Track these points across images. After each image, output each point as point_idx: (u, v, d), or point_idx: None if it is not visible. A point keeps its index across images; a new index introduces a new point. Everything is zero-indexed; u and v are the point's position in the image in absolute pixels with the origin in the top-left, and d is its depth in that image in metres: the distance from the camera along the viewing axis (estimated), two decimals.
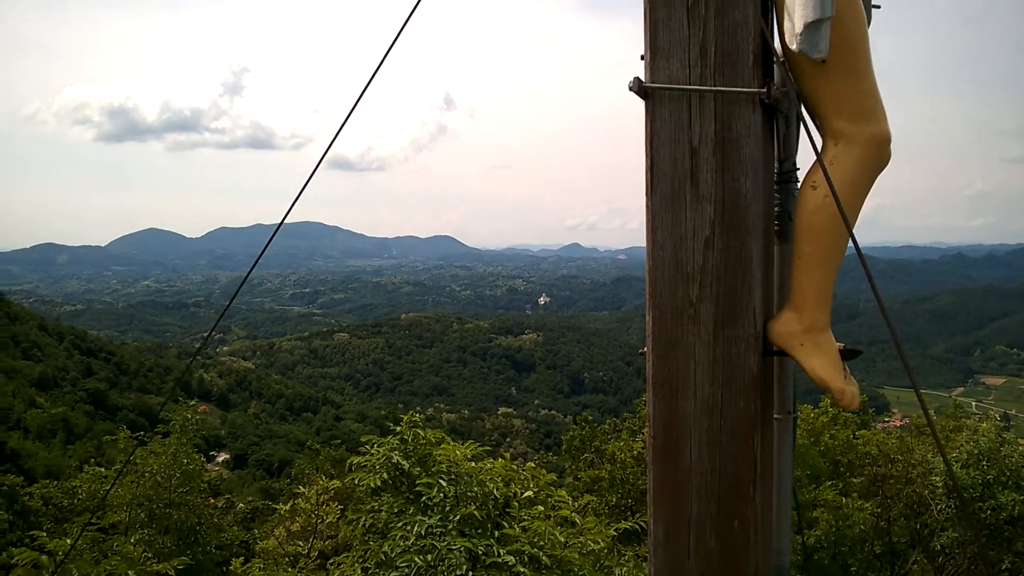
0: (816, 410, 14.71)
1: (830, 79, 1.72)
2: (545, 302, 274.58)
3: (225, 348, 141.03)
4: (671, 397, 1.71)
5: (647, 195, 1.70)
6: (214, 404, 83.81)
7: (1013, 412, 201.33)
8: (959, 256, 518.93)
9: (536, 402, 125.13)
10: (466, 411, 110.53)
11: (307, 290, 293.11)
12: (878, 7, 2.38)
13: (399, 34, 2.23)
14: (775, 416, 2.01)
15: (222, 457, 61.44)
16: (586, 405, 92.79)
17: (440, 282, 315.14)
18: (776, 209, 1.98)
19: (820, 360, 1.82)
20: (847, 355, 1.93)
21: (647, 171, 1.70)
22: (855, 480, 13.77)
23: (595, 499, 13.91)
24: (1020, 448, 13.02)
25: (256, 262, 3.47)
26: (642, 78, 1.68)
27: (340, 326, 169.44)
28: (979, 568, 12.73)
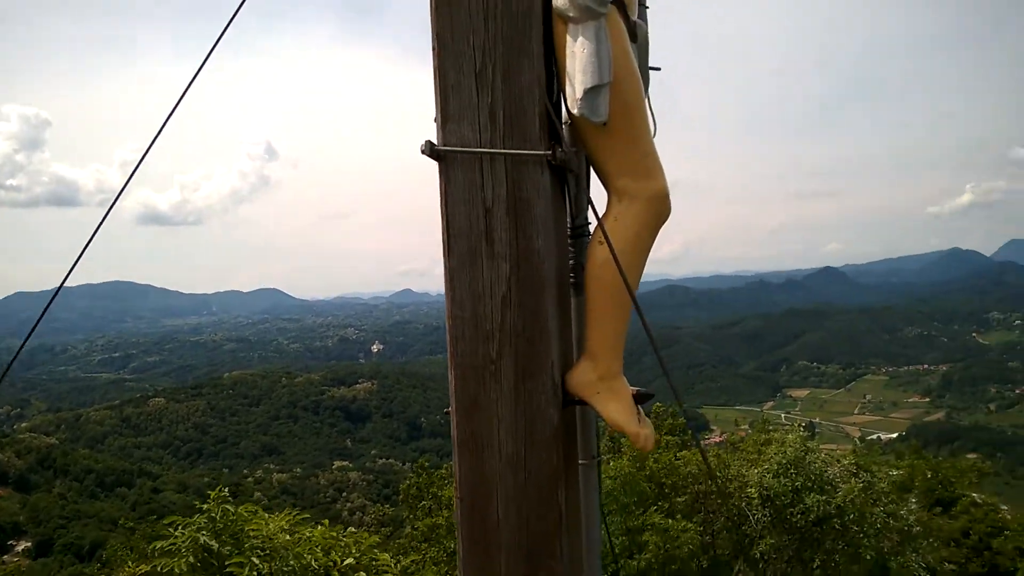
0: None
1: (612, 141, 1.81)
2: (378, 349, 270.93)
3: (23, 424, 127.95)
4: (476, 455, 1.72)
5: (445, 255, 1.71)
6: (11, 487, 75.77)
7: (817, 420, 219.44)
8: (762, 282, 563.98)
9: (373, 452, 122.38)
10: (298, 469, 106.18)
11: (117, 354, 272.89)
12: (657, 69, 2.53)
13: (195, 76, 2.15)
14: (580, 462, 2.06)
15: (22, 546, 55.59)
16: (425, 450, 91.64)
17: (266, 336, 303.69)
18: (571, 262, 2.03)
19: (616, 406, 1.88)
20: (640, 399, 1.98)
21: (443, 232, 1.72)
22: (680, 500, 14.34)
23: (434, 548, 13.61)
24: (822, 455, 14.06)
25: (32, 330, 3.08)
26: (434, 141, 1.71)
27: (155, 390, 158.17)
28: (795, 569, 13.55)
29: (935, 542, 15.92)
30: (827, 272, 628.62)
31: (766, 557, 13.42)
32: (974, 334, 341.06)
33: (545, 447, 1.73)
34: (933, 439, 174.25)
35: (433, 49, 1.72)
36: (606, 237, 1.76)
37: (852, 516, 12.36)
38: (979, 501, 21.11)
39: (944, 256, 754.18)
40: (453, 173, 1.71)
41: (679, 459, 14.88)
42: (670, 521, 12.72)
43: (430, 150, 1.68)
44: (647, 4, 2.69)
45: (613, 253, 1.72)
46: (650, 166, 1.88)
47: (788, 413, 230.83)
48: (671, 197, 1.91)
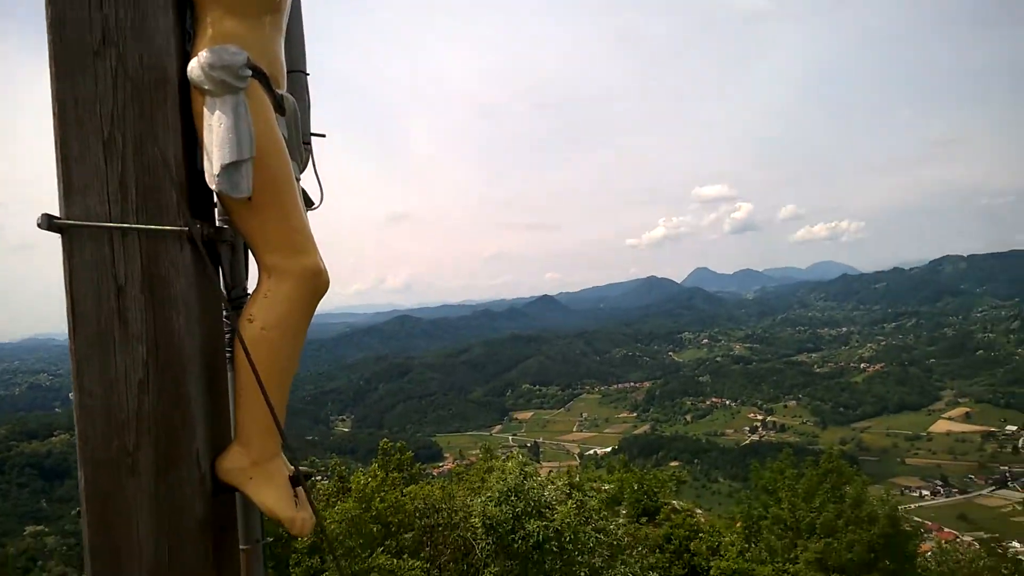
0: (365, 475, 14.84)
1: (259, 217, 1.73)
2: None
3: None
4: (113, 563, 1.51)
5: (70, 339, 1.52)
6: None
7: (541, 440, 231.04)
8: (487, 311, 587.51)
9: (73, 512, 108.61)
10: None
11: None
12: (322, 136, 2.55)
13: None
14: (242, 547, 1.91)
15: None
16: None
17: None
18: (227, 335, 1.88)
19: (269, 492, 1.77)
20: (297, 481, 1.85)
21: (68, 312, 1.53)
22: (407, 537, 14.12)
23: None
24: (540, 478, 14.58)
25: None
26: (55, 213, 1.53)
27: None
28: None
29: (643, 550, 17.20)
30: (545, 300, 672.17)
31: None
32: (670, 353, 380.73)
33: (192, 542, 1.58)
34: (641, 450, 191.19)
35: (54, 114, 1.54)
36: (255, 316, 1.72)
37: (568, 537, 12.88)
38: (678, 508, 23.29)
39: (643, 283, 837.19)
40: (78, 248, 1.54)
41: (406, 495, 14.67)
42: (396, 561, 12.43)
43: (47, 223, 1.51)
44: (308, 71, 2.67)
45: (238, 339, 1.69)
46: (301, 242, 1.79)
47: (515, 435, 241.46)
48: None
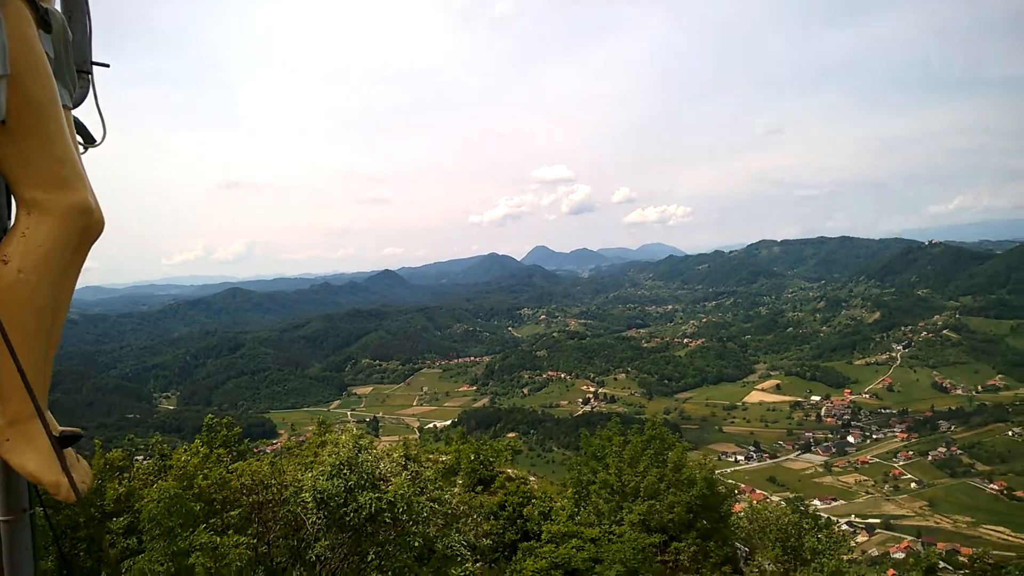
0: (188, 452, 14.11)
1: (17, 144, 1.55)
2: None
3: None
4: None
5: None
6: None
7: (381, 415, 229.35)
8: (326, 285, 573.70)
9: None
10: None
11: None
12: (106, 65, 2.31)
13: None
14: (3, 519, 1.74)
15: None
16: None
17: None
18: None
19: (31, 455, 1.62)
20: (66, 442, 1.69)
21: None
22: (233, 514, 13.54)
23: None
24: (375, 451, 14.38)
25: None
26: None
27: None
28: (351, 565, 13.65)
29: (478, 518, 17.41)
30: (386, 275, 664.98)
31: (322, 558, 13.29)
32: (510, 328, 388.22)
33: None
34: (480, 423, 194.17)
35: None
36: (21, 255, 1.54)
37: (402, 508, 12.80)
38: (513, 476, 23.75)
39: (484, 260, 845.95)
40: None
41: (232, 472, 14.05)
42: (219, 538, 11.87)
43: None
44: None
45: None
46: (67, 176, 1.60)
47: (354, 410, 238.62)
48: (91, 212, 1.37)
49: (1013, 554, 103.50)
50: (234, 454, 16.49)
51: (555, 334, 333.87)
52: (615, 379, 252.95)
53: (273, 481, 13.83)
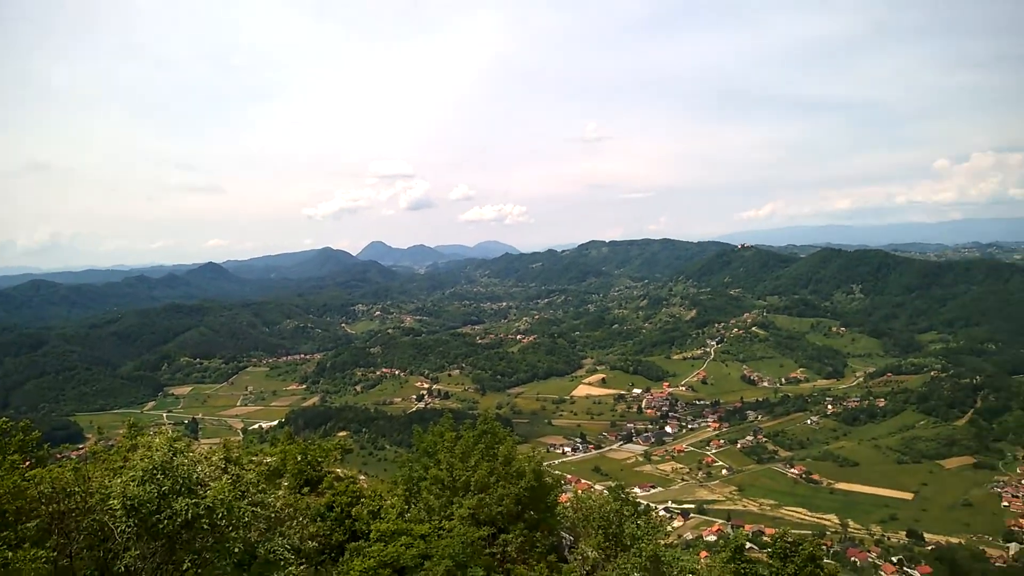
0: None
1: None
2: None
3: None
4: None
5: None
6: None
7: (201, 416, 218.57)
8: (142, 278, 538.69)
9: None
10: None
11: None
12: None
13: None
14: None
15: None
16: None
17: None
18: None
19: None
20: None
21: None
22: (29, 526, 12.40)
23: None
24: (192, 454, 13.62)
25: None
26: None
27: None
28: (165, 574, 12.88)
29: (304, 520, 16.93)
30: (210, 268, 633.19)
31: (132, 569, 12.47)
32: (343, 325, 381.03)
33: None
34: (309, 422, 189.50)
35: None
36: None
37: (221, 513, 12.24)
38: (342, 476, 23.30)
39: (317, 255, 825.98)
40: None
41: (28, 480, 12.87)
42: (11, 553, 10.85)
43: None
44: None
45: None
46: None
47: (171, 411, 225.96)
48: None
49: (809, 532, 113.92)
50: (32, 460, 15.10)
51: (390, 330, 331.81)
52: (450, 375, 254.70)
53: (77, 488, 12.83)
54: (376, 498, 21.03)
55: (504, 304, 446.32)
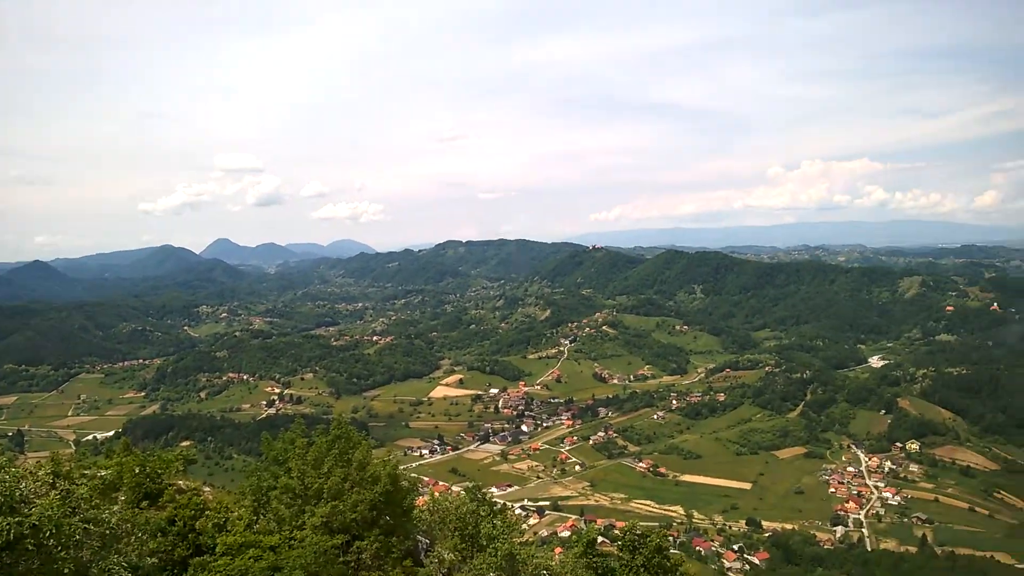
0: None
1: None
2: None
3: None
4: None
5: None
6: None
7: (28, 427, 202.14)
8: None
9: None
10: None
11: None
12: None
13: None
14: None
15: None
16: None
17: None
18: None
19: None
20: None
21: None
22: None
23: None
24: (14, 470, 12.56)
25: None
26: None
27: None
28: None
29: (143, 536, 15.96)
30: (37, 267, 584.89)
31: None
32: (186, 327, 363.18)
33: None
34: (148, 432, 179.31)
35: None
36: None
37: (48, 532, 11.36)
38: (184, 487, 22.15)
39: (157, 252, 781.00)
40: None
41: None
42: None
43: None
44: None
45: None
46: None
47: None
48: None
49: (657, 524, 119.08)
50: None
51: (238, 333, 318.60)
52: (302, 379, 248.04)
53: None
54: (222, 510, 20.15)
55: (360, 305, 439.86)
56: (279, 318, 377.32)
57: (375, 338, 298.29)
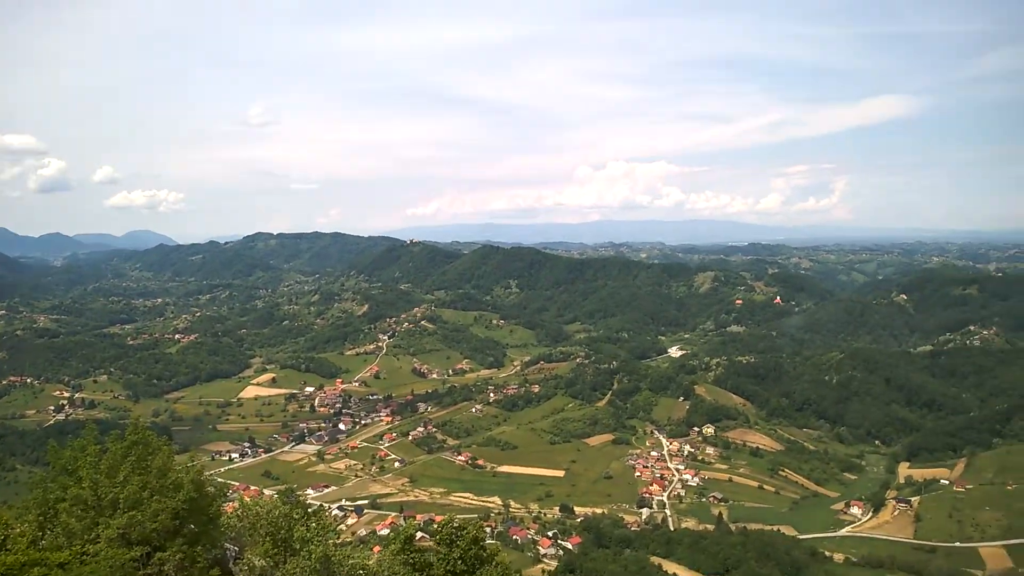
0: None
1: None
2: None
3: None
4: None
5: None
6: None
7: None
8: None
9: None
10: None
11: None
12: None
13: None
14: None
15: None
16: None
17: None
18: None
19: None
20: None
21: None
22: None
23: None
24: None
25: None
26: None
27: None
28: None
29: None
30: None
31: None
32: None
33: None
34: None
35: None
36: None
37: None
38: None
39: None
40: None
41: None
42: None
43: None
44: None
45: None
46: None
47: None
48: None
49: (475, 515, 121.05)
50: None
51: (19, 332, 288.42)
52: (95, 382, 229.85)
53: None
54: (2, 526, 18.25)
55: (160, 301, 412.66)
56: (68, 315, 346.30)
57: (177, 336, 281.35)
